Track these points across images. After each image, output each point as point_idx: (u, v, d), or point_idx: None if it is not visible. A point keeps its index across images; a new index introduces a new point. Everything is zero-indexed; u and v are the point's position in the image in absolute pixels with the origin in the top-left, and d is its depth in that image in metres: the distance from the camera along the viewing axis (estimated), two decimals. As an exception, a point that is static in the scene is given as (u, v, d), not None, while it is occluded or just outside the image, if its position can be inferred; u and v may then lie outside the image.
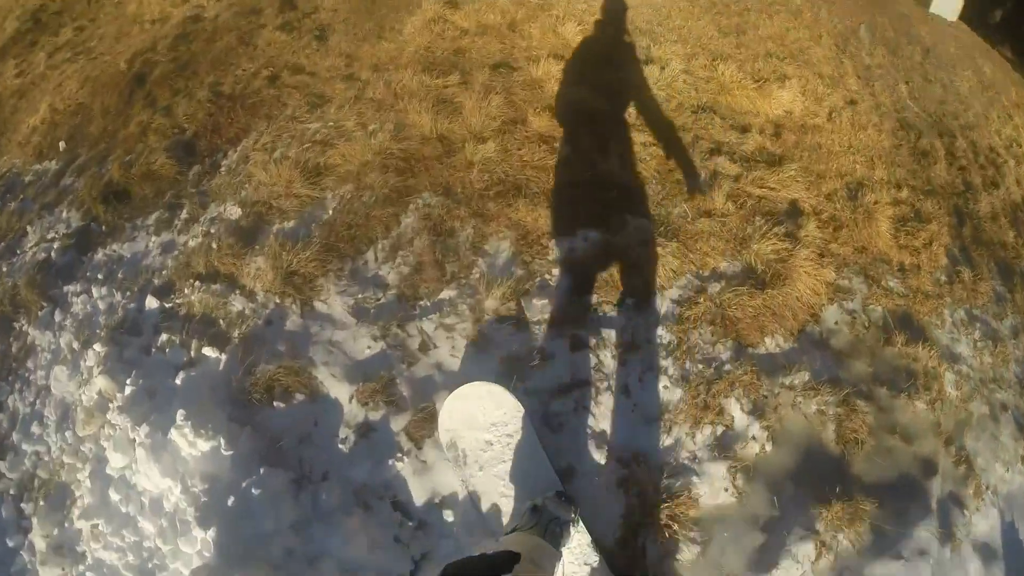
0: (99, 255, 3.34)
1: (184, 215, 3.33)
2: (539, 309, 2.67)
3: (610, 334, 2.65)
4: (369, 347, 2.56)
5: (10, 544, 2.53)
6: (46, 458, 2.71)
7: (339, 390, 2.47)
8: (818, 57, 4.53)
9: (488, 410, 2.28)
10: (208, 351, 2.60)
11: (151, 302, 2.87)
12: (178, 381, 2.56)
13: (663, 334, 2.66)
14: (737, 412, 2.43)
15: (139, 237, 3.34)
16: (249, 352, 2.56)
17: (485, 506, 2.25)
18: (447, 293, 2.69)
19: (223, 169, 3.56)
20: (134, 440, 2.45)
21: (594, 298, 2.74)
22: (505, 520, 2.19)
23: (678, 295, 2.79)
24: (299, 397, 2.47)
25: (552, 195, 3.06)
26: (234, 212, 3.17)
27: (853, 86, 4.38)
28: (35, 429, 2.79)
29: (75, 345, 2.91)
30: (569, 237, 2.91)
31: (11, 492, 2.69)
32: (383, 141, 3.25)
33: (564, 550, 2.06)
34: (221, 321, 2.72)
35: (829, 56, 4.59)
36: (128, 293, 3.01)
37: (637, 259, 2.82)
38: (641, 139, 3.43)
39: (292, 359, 2.52)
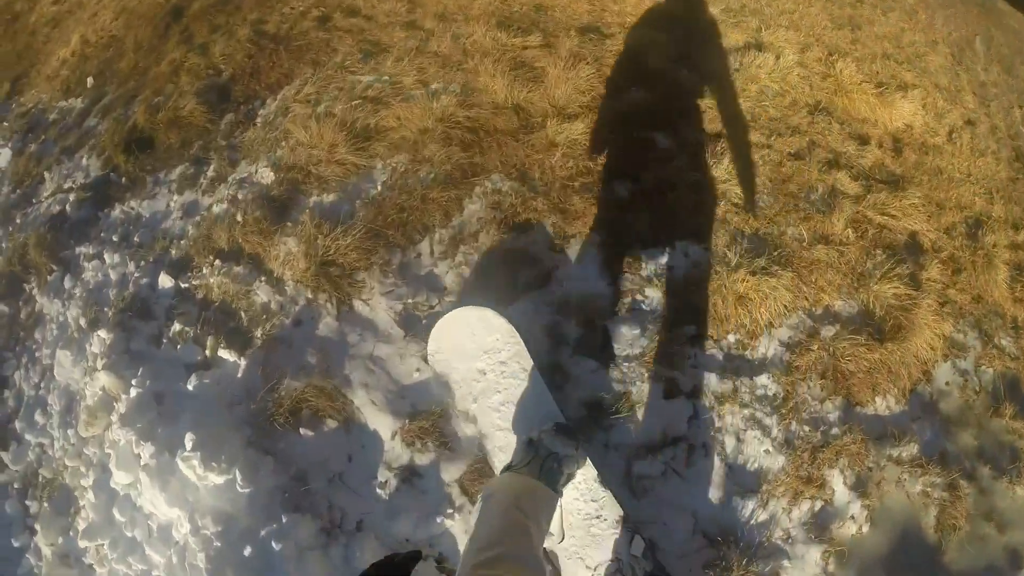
0: (116, 211, 2.80)
1: (211, 172, 2.73)
2: (628, 341, 2.03)
3: (709, 379, 2.04)
4: (419, 370, 1.96)
5: (16, 544, 2.18)
6: (50, 452, 2.29)
7: (380, 422, 1.89)
8: (935, 66, 3.71)
9: (479, 335, 1.90)
10: (225, 354, 2.04)
11: (165, 280, 2.30)
12: (190, 386, 2.01)
13: (768, 384, 2.07)
14: (839, 486, 1.95)
15: (160, 194, 2.77)
16: (273, 360, 1.99)
17: (482, 442, 1.87)
18: (517, 307, 2.05)
19: (259, 120, 2.93)
20: (139, 456, 1.93)
21: (692, 330, 2.11)
22: (506, 458, 1.79)
23: (788, 337, 2.16)
24: (331, 424, 1.90)
25: (650, 196, 2.36)
26: (266, 176, 2.54)
27: (970, 104, 3.57)
28: (39, 418, 2.36)
29: (82, 322, 2.39)
30: (667, 250, 2.24)
31: (15, 486, 2.31)
32: (447, 105, 2.56)
33: (570, 487, 1.73)
34: (242, 314, 2.14)
35: (945, 66, 3.77)
36: (142, 263, 2.46)
37: (744, 286, 2.16)
38: (753, 138, 2.69)
39: (324, 376, 1.94)
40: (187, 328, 2.14)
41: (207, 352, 2.07)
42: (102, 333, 2.20)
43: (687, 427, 1.96)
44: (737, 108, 2.83)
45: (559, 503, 1.66)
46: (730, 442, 1.96)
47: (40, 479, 2.24)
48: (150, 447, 1.90)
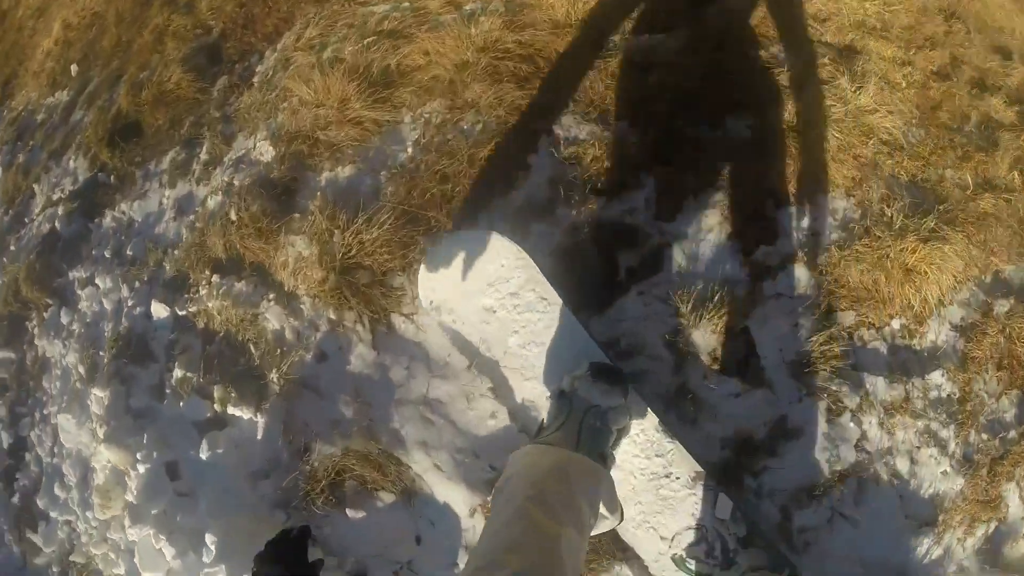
0: (107, 220, 2.29)
1: (204, 155, 2.14)
2: (774, 343, 1.38)
3: (876, 385, 1.43)
4: (495, 415, 1.34)
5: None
6: (78, 530, 1.85)
7: (451, 492, 1.31)
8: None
9: (478, 266, 1.44)
10: (237, 410, 1.48)
11: (159, 309, 1.76)
12: (203, 455, 1.49)
13: (943, 383, 1.48)
14: (1014, 500, 1.50)
15: (151, 191, 2.23)
16: (296, 415, 1.42)
17: (508, 400, 1.39)
18: (621, 310, 1.38)
19: (256, 80, 2.29)
20: (162, 553, 1.45)
21: (850, 318, 1.45)
22: (538, 416, 1.35)
23: (959, 317, 1.55)
24: (386, 499, 1.33)
25: (779, 136, 1.62)
26: (265, 151, 1.92)
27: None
28: (59, 492, 1.91)
29: (81, 370, 1.90)
30: (809, 209, 1.54)
31: (54, 569, 1.90)
32: (490, 29, 1.80)
33: (626, 442, 1.25)
34: (252, 348, 1.56)
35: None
36: (136, 285, 1.94)
37: (915, 257, 1.49)
38: (890, 53, 1.88)
39: (366, 436, 1.35)
40: (189, 374, 1.59)
41: (215, 406, 1.52)
42: (98, 391, 1.69)
43: (855, 455, 1.37)
44: (864, 12, 2.01)
45: (609, 477, 1.16)
46: (903, 465, 1.44)
47: (75, 564, 1.83)
48: (171, 548, 1.40)
